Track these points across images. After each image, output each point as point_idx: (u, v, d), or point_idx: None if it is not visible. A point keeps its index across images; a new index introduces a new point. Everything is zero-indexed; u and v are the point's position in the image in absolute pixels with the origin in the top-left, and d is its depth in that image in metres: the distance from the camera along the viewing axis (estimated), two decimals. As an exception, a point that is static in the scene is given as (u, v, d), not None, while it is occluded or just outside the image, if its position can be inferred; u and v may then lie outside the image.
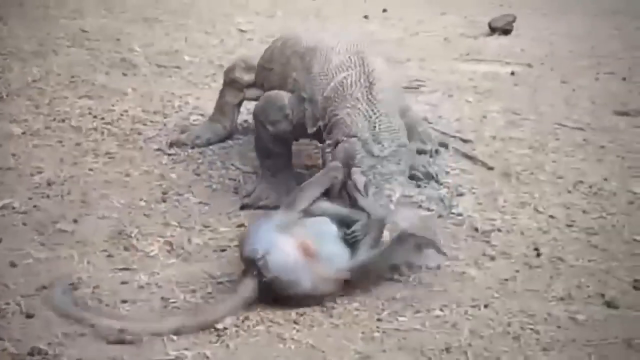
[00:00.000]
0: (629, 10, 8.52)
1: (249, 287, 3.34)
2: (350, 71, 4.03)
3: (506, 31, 7.48)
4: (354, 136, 3.80)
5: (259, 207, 4.16)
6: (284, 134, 4.19)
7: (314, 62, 4.16)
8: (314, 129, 4.09)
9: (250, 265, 3.35)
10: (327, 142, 3.93)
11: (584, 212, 4.28)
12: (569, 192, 4.48)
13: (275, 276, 3.32)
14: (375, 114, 3.86)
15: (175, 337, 3.12)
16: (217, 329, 3.20)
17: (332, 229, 3.52)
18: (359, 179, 3.66)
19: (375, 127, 3.82)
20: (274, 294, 3.36)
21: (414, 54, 6.67)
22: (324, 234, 3.50)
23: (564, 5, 8.77)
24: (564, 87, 6.13)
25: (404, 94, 4.44)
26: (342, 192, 3.71)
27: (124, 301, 3.37)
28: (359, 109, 3.88)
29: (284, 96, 4.20)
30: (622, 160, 4.86)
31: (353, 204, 3.62)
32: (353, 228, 3.50)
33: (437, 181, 4.45)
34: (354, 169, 3.69)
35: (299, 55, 4.28)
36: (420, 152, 4.53)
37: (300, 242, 3.42)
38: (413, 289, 3.55)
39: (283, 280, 3.33)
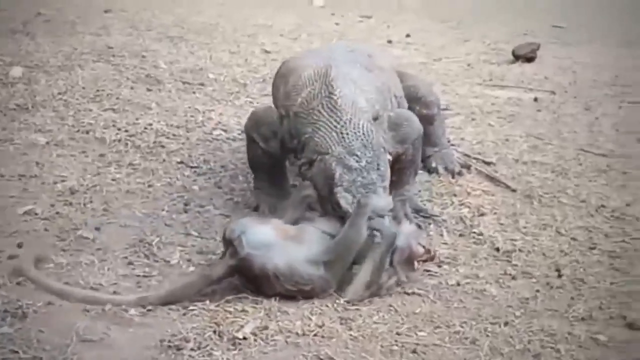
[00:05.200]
0: (652, 42, 8.50)
1: (219, 266, 3.44)
2: (314, 84, 3.99)
3: (530, 59, 7.45)
4: (326, 153, 3.78)
5: None
6: (275, 151, 4.17)
7: (290, 79, 4.17)
8: (292, 145, 4.05)
9: (227, 245, 3.44)
10: (302, 160, 3.91)
11: (606, 235, 4.25)
12: (592, 215, 4.45)
13: (248, 252, 3.37)
14: (339, 123, 3.82)
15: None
16: (236, 337, 3.20)
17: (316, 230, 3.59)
18: (344, 201, 3.63)
19: (344, 138, 3.78)
20: (249, 274, 3.40)
21: (437, 78, 6.66)
22: (306, 228, 3.58)
23: (588, 36, 8.75)
24: (587, 114, 6.10)
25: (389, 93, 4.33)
26: (324, 206, 3.72)
27: (142, 307, 3.38)
28: (322, 122, 3.85)
29: (274, 113, 4.19)
30: (645, 187, 4.84)
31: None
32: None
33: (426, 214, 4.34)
34: (336, 189, 3.66)
35: (283, 75, 4.31)
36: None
37: (280, 227, 3.52)
38: (432, 305, 3.55)
39: (256, 256, 3.37)
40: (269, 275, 3.39)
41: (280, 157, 4.24)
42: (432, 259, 3.62)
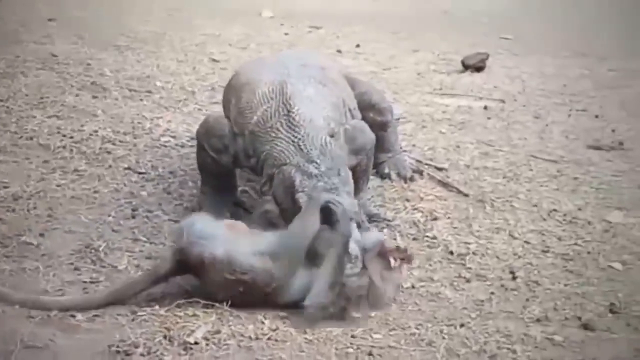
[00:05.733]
0: (598, 53, 8.60)
1: (164, 259, 3.38)
2: (270, 102, 3.93)
3: (479, 68, 7.50)
4: (285, 164, 3.72)
5: None
6: (226, 163, 4.08)
7: (242, 95, 4.07)
8: (249, 164, 3.99)
9: (174, 241, 3.41)
10: (262, 180, 3.84)
11: (559, 239, 4.24)
12: (544, 219, 4.44)
13: (188, 241, 3.30)
14: (296, 137, 3.78)
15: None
16: (187, 342, 3.10)
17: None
18: (306, 203, 3.52)
19: (302, 149, 3.73)
20: (187, 264, 3.31)
21: (387, 87, 6.64)
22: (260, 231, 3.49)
23: (535, 47, 8.83)
24: (537, 122, 6.14)
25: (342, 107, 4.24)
26: (287, 219, 3.59)
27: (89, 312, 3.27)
28: (281, 138, 3.79)
29: (225, 125, 4.09)
30: (596, 192, 4.85)
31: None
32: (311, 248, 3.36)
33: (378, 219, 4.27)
34: (298, 195, 3.59)
35: (235, 88, 4.21)
36: None
37: (231, 223, 3.46)
38: (387, 307, 3.47)
39: (194, 244, 3.29)
40: (204, 262, 3.27)
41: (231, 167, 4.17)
42: (409, 259, 3.50)
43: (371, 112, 4.65)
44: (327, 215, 3.36)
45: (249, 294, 3.30)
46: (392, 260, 3.38)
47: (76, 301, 3.31)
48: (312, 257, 3.34)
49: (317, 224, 3.37)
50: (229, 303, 3.32)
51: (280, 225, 3.66)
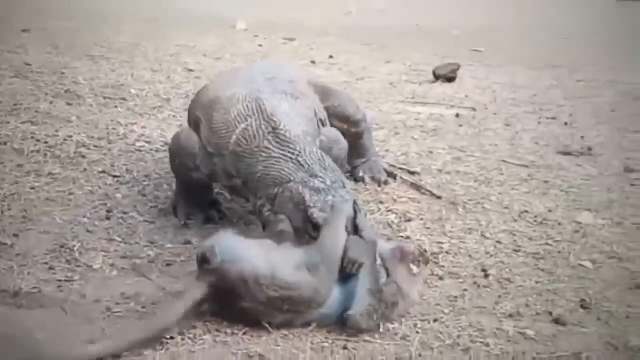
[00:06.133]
0: (567, 64, 8.75)
1: (195, 285, 3.15)
2: (249, 120, 3.80)
3: (450, 79, 7.60)
4: (289, 182, 3.59)
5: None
6: (197, 180, 4.02)
7: (213, 114, 3.94)
8: (231, 184, 3.90)
9: (201, 263, 3.17)
10: (259, 202, 3.69)
11: (530, 239, 4.30)
12: (515, 220, 4.50)
13: (223, 260, 3.09)
14: (294, 153, 3.66)
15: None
16: (163, 337, 3.11)
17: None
18: (323, 221, 3.39)
19: (303, 165, 3.61)
20: (225, 284, 3.08)
21: (360, 96, 6.71)
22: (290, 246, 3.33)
23: (505, 58, 8.96)
24: (508, 129, 6.23)
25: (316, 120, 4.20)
26: (301, 237, 3.46)
27: (64, 309, 3.27)
28: (276, 157, 3.67)
29: (195, 144, 3.97)
30: (566, 194, 4.92)
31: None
32: (348, 257, 3.26)
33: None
34: (311, 211, 3.44)
35: (204, 106, 4.07)
36: None
37: (255, 239, 3.29)
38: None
39: (232, 263, 3.08)
40: (248, 281, 3.09)
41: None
42: (426, 261, 3.48)
43: (346, 124, 4.66)
44: (354, 224, 3.32)
45: (292, 312, 3.17)
46: (412, 266, 3.40)
47: (108, 347, 2.98)
48: (346, 267, 3.25)
49: (345, 233, 3.30)
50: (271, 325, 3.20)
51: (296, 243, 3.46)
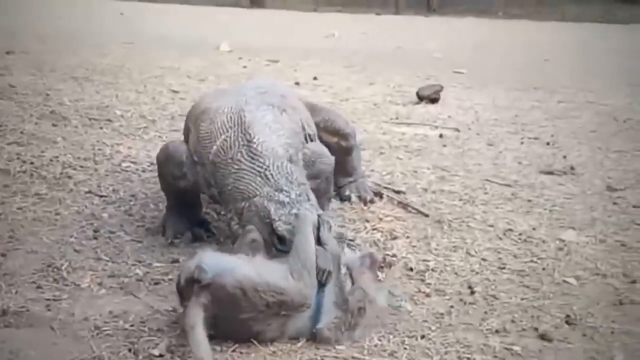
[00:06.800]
0: (548, 86, 8.85)
1: (197, 308, 3.08)
2: (229, 132, 3.87)
3: (433, 100, 7.67)
4: (255, 196, 3.66)
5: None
6: (184, 189, 4.08)
7: (201, 124, 4.03)
8: (210, 193, 3.96)
9: (188, 284, 3.15)
10: (229, 214, 3.77)
11: (514, 256, 4.34)
12: (500, 238, 4.54)
13: (214, 274, 3.08)
14: (262, 167, 3.72)
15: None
16: (152, 355, 3.11)
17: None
18: (288, 234, 3.47)
19: (269, 179, 3.67)
20: (222, 295, 3.07)
21: (345, 116, 6.76)
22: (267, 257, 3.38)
23: (487, 81, 9.06)
24: (491, 149, 6.29)
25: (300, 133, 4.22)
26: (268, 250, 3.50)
27: (52, 328, 3.27)
28: (245, 170, 3.73)
29: (183, 153, 4.05)
30: (549, 213, 4.97)
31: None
32: (318, 266, 3.31)
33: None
34: (276, 225, 3.51)
35: (195, 117, 4.16)
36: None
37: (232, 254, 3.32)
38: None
39: (224, 275, 3.09)
40: (245, 289, 3.10)
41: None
42: (389, 265, 3.54)
43: (335, 137, 4.73)
44: (318, 237, 3.37)
45: (287, 316, 3.20)
46: (378, 272, 3.44)
47: None
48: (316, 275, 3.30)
49: (313, 241, 3.35)
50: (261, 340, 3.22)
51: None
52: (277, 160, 3.77)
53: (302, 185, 3.73)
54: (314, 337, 3.28)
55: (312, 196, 3.75)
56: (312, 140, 4.36)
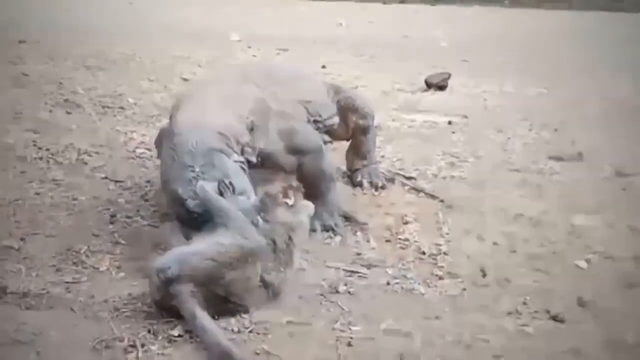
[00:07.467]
0: (556, 74, 8.87)
1: (185, 305, 3.21)
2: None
3: (441, 87, 7.71)
4: (169, 180, 3.75)
5: None
6: None
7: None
8: None
9: (162, 290, 3.24)
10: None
11: (526, 240, 4.39)
12: (510, 223, 4.59)
13: (177, 266, 3.21)
14: (172, 147, 3.77)
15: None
16: (171, 335, 3.18)
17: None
18: (196, 206, 3.58)
19: (175, 158, 3.72)
20: (200, 279, 3.22)
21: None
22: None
23: (495, 69, 9.08)
24: (500, 135, 6.33)
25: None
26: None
27: (72, 310, 3.34)
28: (165, 154, 3.83)
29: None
30: (559, 198, 5.00)
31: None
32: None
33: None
34: (187, 203, 3.60)
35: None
36: None
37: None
38: (362, 303, 3.59)
39: (187, 261, 3.23)
40: (212, 256, 3.26)
41: None
42: (298, 188, 3.61)
43: (354, 115, 4.84)
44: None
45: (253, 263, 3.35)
46: (288, 200, 3.53)
47: None
48: None
49: (226, 203, 3.49)
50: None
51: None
52: (187, 136, 3.76)
53: (207, 154, 3.70)
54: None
55: (217, 160, 3.71)
56: (321, 122, 4.45)
